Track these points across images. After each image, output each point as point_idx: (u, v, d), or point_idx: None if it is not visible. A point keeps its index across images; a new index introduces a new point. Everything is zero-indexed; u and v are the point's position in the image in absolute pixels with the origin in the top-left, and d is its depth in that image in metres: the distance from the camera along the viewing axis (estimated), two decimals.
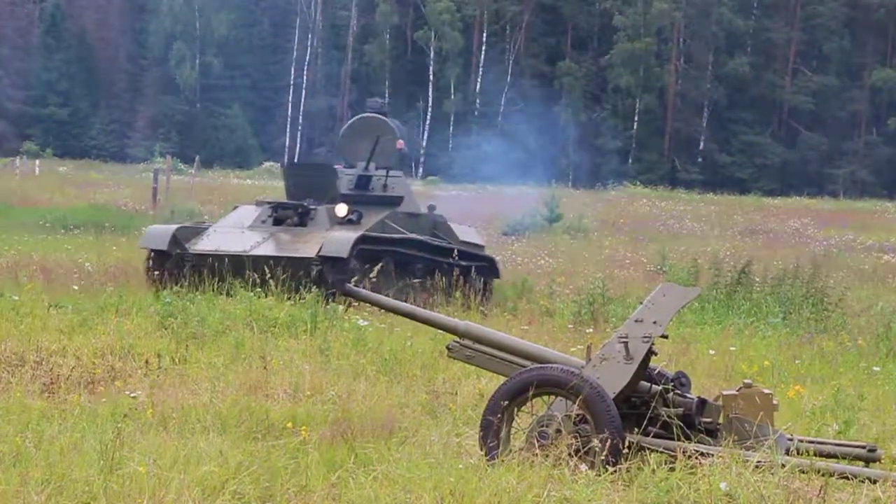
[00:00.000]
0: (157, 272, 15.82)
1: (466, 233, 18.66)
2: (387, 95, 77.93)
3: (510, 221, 33.98)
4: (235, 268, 15.29)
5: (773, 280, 17.11)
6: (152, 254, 16.07)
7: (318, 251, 15.32)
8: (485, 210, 33.89)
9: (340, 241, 15.36)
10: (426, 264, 16.69)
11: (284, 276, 14.38)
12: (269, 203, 17.11)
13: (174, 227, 16.54)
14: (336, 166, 18.08)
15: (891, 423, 8.64)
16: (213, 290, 14.60)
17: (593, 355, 6.96)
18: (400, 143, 18.38)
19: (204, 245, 16.13)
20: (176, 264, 15.86)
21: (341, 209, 16.52)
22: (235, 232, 16.39)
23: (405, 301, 14.30)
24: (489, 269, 18.14)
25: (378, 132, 18.02)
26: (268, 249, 15.82)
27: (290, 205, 16.76)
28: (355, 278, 14.63)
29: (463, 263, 17.12)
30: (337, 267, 15.18)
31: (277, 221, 16.59)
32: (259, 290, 14.05)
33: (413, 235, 16.79)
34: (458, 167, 73.89)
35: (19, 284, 15.16)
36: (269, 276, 14.25)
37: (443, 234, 17.78)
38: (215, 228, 16.65)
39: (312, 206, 16.62)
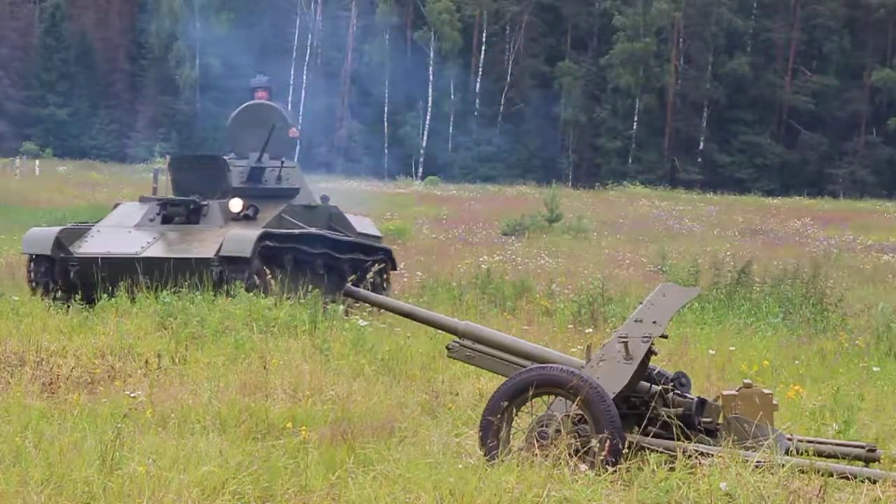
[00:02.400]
0: (39, 279, 14.71)
1: (363, 224, 17.67)
2: (387, 95, 78.06)
3: (510, 221, 33.96)
4: (125, 272, 14.29)
5: (773, 280, 17.12)
6: (34, 259, 14.87)
7: (218, 251, 14.36)
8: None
9: (242, 239, 14.38)
10: (327, 259, 15.86)
11: (185, 280, 13.76)
12: (155, 200, 15.93)
13: (57, 229, 15.27)
14: (225, 158, 16.85)
15: (890, 423, 8.64)
16: (100, 296, 13.75)
17: (593, 355, 6.97)
18: (293, 131, 17.30)
19: (89, 248, 14.89)
20: (63, 270, 14.74)
21: (236, 204, 15.43)
22: (122, 232, 15.18)
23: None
24: (387, 260, 17.31)
25: (271, 121, 16.78)
26: (160, 250, 14.72)
27: (179, 201, 15.57)
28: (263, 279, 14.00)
29: (363, 257, 16.47)
30: (239, 267, 14.24)
31: (166, 219, 15.39)
32: (151, 293, 13.41)
33: (313, 230, 15.87)
34: (457, 167, 73.99)
35: (19, 284, 15.17)
36: (162, 278, 13.65)
37: (340, 226, 16.82)
38: (98, 229, 15.37)
39: (204, 202, 15.47)
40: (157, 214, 15.42)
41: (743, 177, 72.12)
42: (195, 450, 6.73)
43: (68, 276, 14.66)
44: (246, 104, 17.44)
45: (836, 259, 28.26)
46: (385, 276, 17.03)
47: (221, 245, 14.34)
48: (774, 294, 16.31)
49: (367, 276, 14.91)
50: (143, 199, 16.14)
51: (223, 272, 14.21)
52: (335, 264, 15.93)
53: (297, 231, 15.49)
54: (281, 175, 16.64)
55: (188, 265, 14.22)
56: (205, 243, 14.67)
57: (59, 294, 14.56)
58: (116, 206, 16.26)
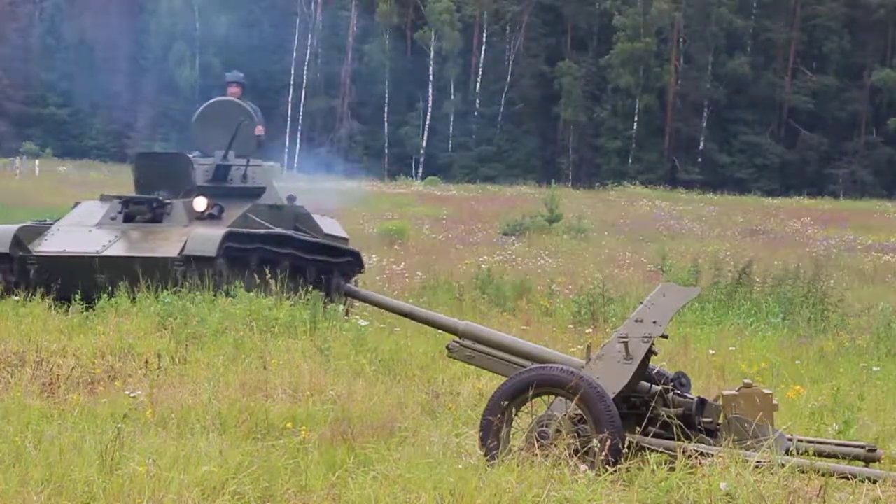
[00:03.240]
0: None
1: (330, 225, 17.22)
2: (387, 95, 78.08)
3: (510, 221, 33.97)
4: (85, 271, 13.94)
5: (774, 280, 17.12)
6: None
7: (181, 250, 13.98)
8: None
9: (206, 238, 14.02)
10: (293, 261, 15.48)
11: (145, 280, 13.46)
12: (117, 198, 15.44)
13: (16, 226, 14.84)
14: (190, 155, 16.42)
15: (890, 423, 8.64)
16: (53, 298, 13.36)
17: (593, 355, 6.97)
18: (259, 129, 16.66)
19: (48, 247, 14.47)
20: (22, 269, 14.31)
21: (200, 203, 15.03)
22: (82, 231, 14.78)
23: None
24: (354, 263, 16.98)
25: (238, 118, 16.35)
26: (121, 249, 14.34)
27: (142, 199, 15.16)
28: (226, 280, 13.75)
29: (329, 259, 16.16)
30: (203, 268, 13.84)
31: (128, 218, 14.97)
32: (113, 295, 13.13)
33: (279, 230, 15.54)
34: (457, 167, 74.01)
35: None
36: (123, 278, 13.35)
37: (306, 227, 16.40)
38: (59, 227, 14.97)
39: (167, 201, 15.09)
40: (119, 213, 15.07)
41: (743, 177, 72.13)
42: (195, 450, 6.73)
43: (28, 276, 14.23)
44: (211, 101, 17.07)
45: (836, 259, 28.26)
46: (352, 278, 16.70)
47: (185, 244, 14.01)
48: (775, 294, 16.31)
49: (333, 278, 14.83)
50: (104, 197, 15.71)
51: (186, 272, 13.83)
52: (301, 265, 15.57)
53: (262, 231, 15.19)
54: (247, 174, 16.27)
55: (151, 264, 13.88)
56: (168, 242, 14.33)
57: (23, 292, 13.88)
58: (77, 203, 15.92)
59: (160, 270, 13.76)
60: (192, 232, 14.23)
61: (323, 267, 15.89)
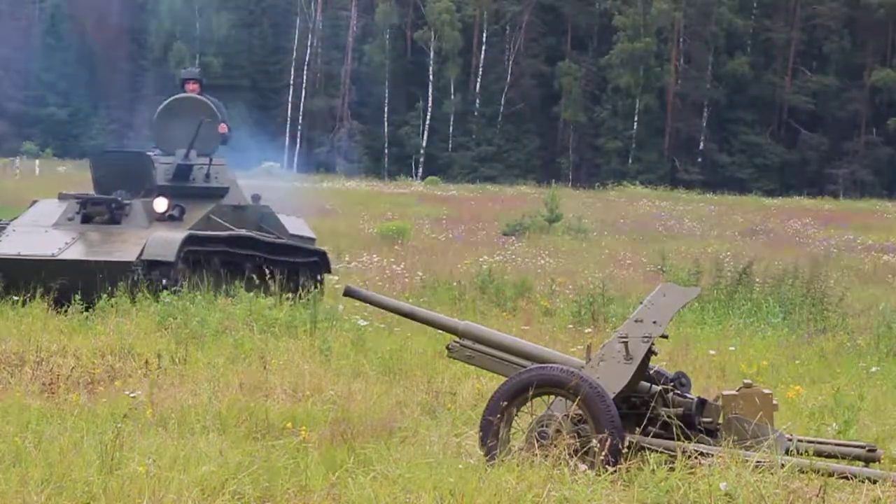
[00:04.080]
0: None
1: (296, 225, 16.81)
2: (387, 95, 78.06)
3: (510, 221, 33.96)
4: (40, 274, 13.43)
5: (773, 280, 17.10)
6: None
7: (140, 254, 13.61)
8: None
9: (165, 242, 13.67)
10: (257, 262, 15.14)
11: (105, 285, 13.12)
12: (74, 197, 14.90)
13: None
14: (150, 154, 15.86)
15: (890, 423, 8.64)
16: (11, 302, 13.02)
17: (593, 355, 6.97)
18: (223, 127, 16.02)
19: (3, 249, 13.99)
20: None
21: (161, 204, 14.56)
22: (38, 232, 14.27)
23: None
24: (321, 263, 16.63)
25: (200, 115, 15.70)
26: (78, 252, 13.85)
27: (101, 199, 14.60)
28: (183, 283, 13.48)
29: (295, 260, 15.83)
30: (162, 272, 13.53)
31: (86, 219, 14.47)
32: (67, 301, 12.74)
33: (242, 232, 15.09)
34: (457, 167, 74.02)
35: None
36: (80, 283, 13.02)
37: (271, 228, 16.02)
38: (14, 228, 14.47)
39: (126, 201, 14.58)
40: (77, 213, 14.56)
41: (743, 177, 72.15)
42: (195, 450, 6.73)
43: None
44: (173, 97, 16.36)
45: (836, 259, 28.24)
46: (319, 279, 16.26)
47: (144, 248, 13.65)
48: (775, 294, 16.30)
49: (300, 278, 14.54)
50: (62, 196, 15.20)
51: (145, 276, 13.48)
52: (266, 266, 15.14)
53: (224, 233, 14.80)
54: (209, 173, 15.63)
55: (108, 269, 13.44)
56: (126, 245, 13.90)
57: None
58: (34, 203, 15.42)
59: (118, 275, 13.37)
60: (151, 235, 13.86)
61: (289, 268, 15.48)
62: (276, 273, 14.59)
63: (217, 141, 16.03)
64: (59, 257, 13.76)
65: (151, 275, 13.52)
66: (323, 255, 16.83)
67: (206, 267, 14.23)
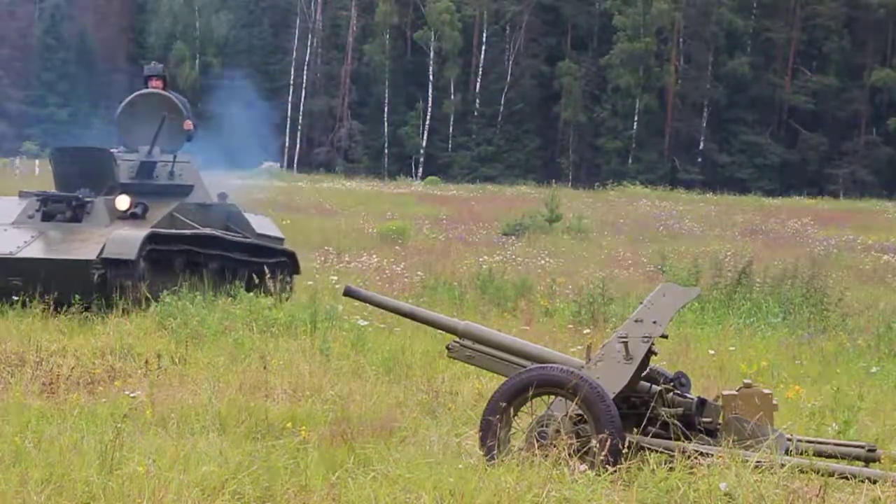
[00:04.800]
0: None
1: (264, 225, 16.52)
2: (387, 95, 78.06)
3: (510, 221, 33.95)
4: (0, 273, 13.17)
5: (773, 280, 17.10)
6: None
7: (100, 252, 13.26)
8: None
9: (126, 240, 13.31)
10: (223, 262, 14.94)
11: (66, 285, 12.87)
12: (35, 195, 14.57)
13: None
14: (114, 151, 15.46)
15: (890, 423, 8.65)
16: None
17: (593, 355, 6.97)
18: (188, 124, 15.67)
19: None
20: None
21: (123, 201, 14.16)
22: None
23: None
24: (289, 264, 16.39)
25: (163, 111, 15.35)
26: (37, 251, 13.48)
27: (61, 197, 14.28)
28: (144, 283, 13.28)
29: (263, 260, 15.52)
30: (123, 271, 13.20)
31: (47, 217, 14.12)
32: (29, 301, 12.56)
33: (208, 231, 14.82)
34: (457, 167, 74.02)
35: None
36: (40, 282, 12.68)
37: (238, 227, 15.74)
38: None
39: (88, 199, 14.23)
40: (37, 211, 14.22)
41: (743, 177, 72.14)
42: (195, 450, 6.73)
43: None
44: (136, 93, 15.98)
45: (836, 259, 28.25)
46: (288, 280, 16.04)
47: (104, 246, 13.31)
48: (774, 294, 16.30)
49: (267, 279, 14.33)
50: (22, 194, 14.92)
51: (105, 276, 13.20)
52: (231, 267, 15.05)
53: (188, 232, 14.50)
54: (174, 170, 15.30)
55: (68, 268, 13.18)
56: (86, 244, 13.52)
57: None
58: None
59: (78, 274, 13.13)
60: (112, 233, 13.53)
61: (256, 268, 15.20)
62: (243, 273, 14.49)
63: (182, 138, 15.74)
64: (18, 255, 13.40)
65: (112, 274, 13.19)
66: (292, 255, 16.55)
67: (168, 267, 14.00)
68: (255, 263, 15.35)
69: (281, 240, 16.72)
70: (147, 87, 16.03)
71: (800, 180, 70.68)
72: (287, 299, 14.78)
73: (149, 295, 13.30)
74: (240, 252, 15.30)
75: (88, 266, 13.22)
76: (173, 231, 14.29)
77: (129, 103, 15.85)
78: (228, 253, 15.04)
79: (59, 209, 14.20)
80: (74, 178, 14.65)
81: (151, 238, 13.66)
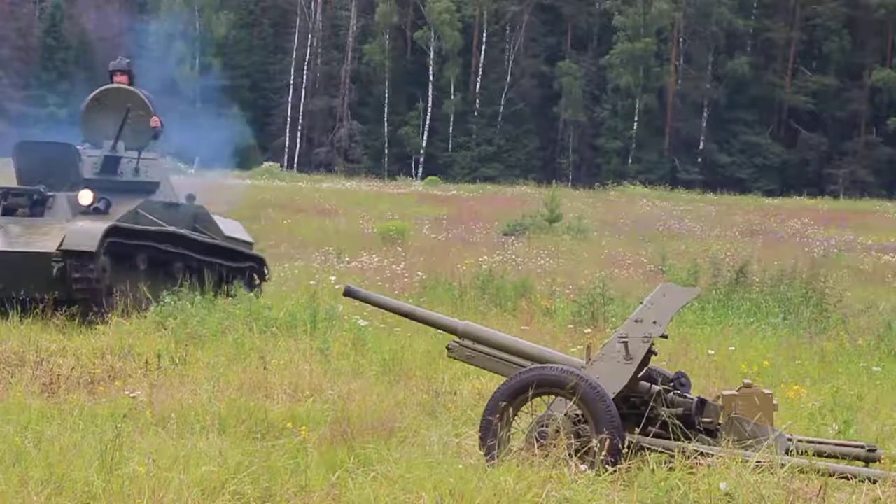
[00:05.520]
0: None
1: (232, 227, 16.11)
2: (387, 95, 78.04)
3: (510, 221, 33.95)
4: None
5: (772, 280, 17.10)
6: None
7: (60, 244, 13.02)
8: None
9: (87, 232, 13.06)
10: (187, 262, 14.61)
11: (27, 278, 12.71)
12: None
13: None
14: (78, 146, 15.11)
15: (890, 423, 8.64)
16: None
17: (593, 355, 6.97)
18: (155, 121, 15.21)
19: None
20: None
21: (85, 196, 13.89)
22: None
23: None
24: (258, 269, 16.09)
25: (127, 106, 14.93)
26: None
27: (23, 191, 14.01)
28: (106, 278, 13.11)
29: (229, 263, 15.28)
30: (83, 264, 12.96)
31: (8, 211, 13.87)
32: None
33: (172, 229, 14.49)
34: (457, 167, 74.01)
35: None
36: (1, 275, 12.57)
37: (205, 228, 15.38)
38: None
39: (49, 193, 13.97)
40: None
41: (743, 177, 72.15)
42: (195, 450, 6.73)
43: None
44: (101, 88, 15.57)
45: (836, 259, 28.24)
46: (256, 284, 15.82)
47: (64, 238, 13.05)
48: (774, 294, 16.29)
49: (234, 282, 14.12)
50: None
51: (65, 269, 12.97)
52: (197, 267, 14.72)
53: (152, 228, 14.17)
54: (139, 167, 14.94)
55: (28, 260, 12.99)
56: (47, 237, 13.29)
57: None
58: None
59: (38, 267, 12.93)
60: (72, 226, 13.28)
61: (222, 271, 15.01)
62: (210, 275, 14.25)
63: (148, 135, 15.31)
64: None
65: (72, 267, 12.96)
66: (260, 261, 16.26)
67: (131, 263, 13.74)
68: (221, 266, 15.10)
69: (250, 244, 16.40)
70: (112, 82, 15.65)
71: (800, 180, 70.68)
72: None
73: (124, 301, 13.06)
74: (206, 253, 14.99)
75: (48, 259, 12.98)
76: (136, 226, 13.97)
77: (93, 99, 15.46)
78: (194, 253, 14.76)
79: (19, 203, 13.93)
80: (37, 174, 14.38)
81: (113, 231, 13.36)
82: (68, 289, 12.99)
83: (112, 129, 14.87)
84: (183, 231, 14.75)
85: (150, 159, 15.18)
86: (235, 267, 15.41)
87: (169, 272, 14.25)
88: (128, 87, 15.41)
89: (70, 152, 14.78)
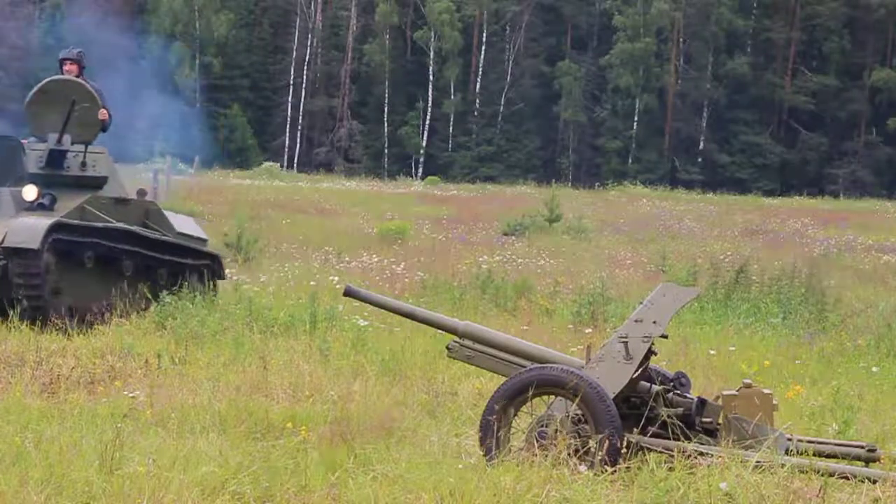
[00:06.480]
0: None
1: (185, 224, 15.59)
2: (387, 95, 78.05)
3: (510, 221, 33.95)
4: None
5: (771, 280, 17.09)
6: None
7: (1, 242, 12.46)
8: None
9: (29, 229, 12.47)
10: (138, 260, 14.09)
11: None
12: None
13: None
14: (24, 141, 14.54)
15: (890, 423, 8.64)
16: None
17: (593, 355, 6.97)
18: (103, 113, 14.51)
19: None
20: None
21: (29, 192, 13.29)
22: None
23: (111, 304, 12.96)
24: (213, 267, 15.58)
25: (73, 98, 14.25)
26: None
27: None
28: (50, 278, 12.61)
29: (182, 261, 14.78)
30: (26, 262, 12.41)
31: None
32: None
33: (121, 225, 13.87)
34: (457, 167, 74.01)
35: None
36: None
37: (157, 224, 14.76)
38: None
39: None
40: None
41: (743, 177, 72.18)
42: (195, 450, 6.73)
43: None
44: (47, 79, 14.83)
45: (836, 259, 28.24)
46: (211, 282, 15.36)
47: (6, 235, 12.45)
48: (773, 294, 16.29)
49: (187, 280, 13.86)
50: None
51: (7, 267, 12.42)
52: (148, 265, 14.26)
53: (99, 224, 13.56)
54: (86, 161, 14.25)
55: None
56: None
57: None
58: None
59: None
60: (14, 222, 12.71)
61: (174, 269, 14.61)
62: (162, 273, 13.92)
63: (97, 128, 14.61)
64: None
65: (14, 265, 12.44)
66: (215, 258, 15.81)
67: (77, 261, 13.28)
68: (173, 263, 14.68)
69: (204, 241, 15.89)
70: (61, 72, 14.88)
71: (800, 180, 70.70)
72: (211, 303, 13.93)
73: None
74: (157, 250, 14.50)
75: None
76: (82, 222, 13.39)
77: (39, 90, 14.71)
78: (144, 250, 14.26)
79: None
80: None
81: (57, 227, 12.79)
82: (9, 289, 12.48)
83: (58, 122, 14.20)
84: (132, 228, 14.21)
85: (97, 153, 14.52)
86: (189, 264, 14.94)
87: (118, 270, 13.80)
88: (75, 79, 14.68)
89: (12, 146, 14.27)
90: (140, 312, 13.10)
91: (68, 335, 11.76)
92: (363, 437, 7.41)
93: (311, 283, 16.11)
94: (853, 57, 76.98)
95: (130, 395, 8.50)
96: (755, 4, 78.76)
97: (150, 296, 13.50)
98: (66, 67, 14.87)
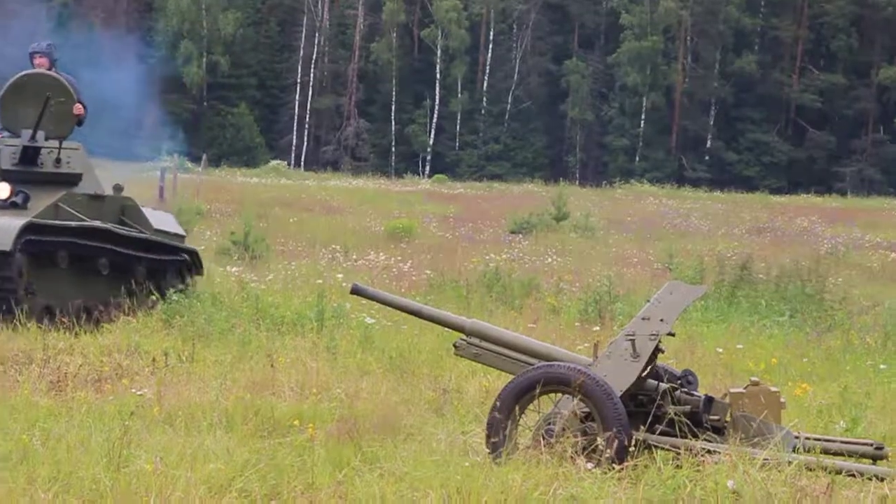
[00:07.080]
0: None
1: (163, 220, 15.19)
2: (394, 93, 78.06)
3: (517, 219, 33.94)
4: None
5: (776, 278, 17.07)
6: None
7: None
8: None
9: (0, 229, 12.19)
10: (114, 259, 13.74)
11: None
12: None
13: None
14: None
15: None
16: None
17: (600, 353, 6.96)
18: (78, 108, 14.10)
19: None
20: None
21: (2, 189, 13.09)
22: None
23: (88, 304, 12.81)
24: (191, 263, 15.18)
25: (48, 92, 13.75)
26: None
27: None
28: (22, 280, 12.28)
29: (160, 257, 14.47)
30: None
31: None
32: None
33: (97, 223, 13.51)
34: (464, 165, 74.02)
35: None
36: None
37: (134, 221, 14.37)
38: None
39: None
40: None
41: (750, 175, 72.11)
42: (202, 447, 6.73)
43: None
44: (22, 73, 14.29)
45: (843, 257, 28.20)
46: (189, 279, 15.04)
47: None
48: (780, 292, 16.27)
49: (167, 278, 13.69)
50: None
51: None
52: (125, 264, 13.87)
53: (73, 223, 13.21)
54: (60, 157, 13.82)
55: None
56: None
57: None
58: None
59: None
60: None
61: (152, 266, 14.33)
62: (140, 271, 13.72)
63: (72, 122, 14.19)
64: None
65: None
66: (193, 254, 15.40)
67: (51, 262, 13.03)
68: (151, 261, 14.37)
69: (182, 237, 15.54)
70: (32, 66, 14.41)
71: (807, 178, 70.59)
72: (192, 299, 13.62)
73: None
74: (133, 248, 14.14)
75: None
76: (56, 222, 13.06)
77: (12, 84, 14.18)
78: (120, 248, 13.89)
79: None
80: None
81: (30, 228, 12.47)
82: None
83: (31, 117, 13.73)
84: (107, 225, 13.86)
85: (72, 149, 14.07)
86: (167, 261, 14.66)
87: (93, 269, 13.54)
88: (49, 73, 14.31)
89: None
90: (148, 311, 13.07)
91: (75, 333, 11.76)
92: (370, 435, 7.41)
93: (319, 281, 16.10)
94: (861, 55, 76.88)
95: (138, 392, 8.51)
96: (763, 3, 78.70)
97: (157, 295, 13.43)
98: (36, 61, 14.46)
